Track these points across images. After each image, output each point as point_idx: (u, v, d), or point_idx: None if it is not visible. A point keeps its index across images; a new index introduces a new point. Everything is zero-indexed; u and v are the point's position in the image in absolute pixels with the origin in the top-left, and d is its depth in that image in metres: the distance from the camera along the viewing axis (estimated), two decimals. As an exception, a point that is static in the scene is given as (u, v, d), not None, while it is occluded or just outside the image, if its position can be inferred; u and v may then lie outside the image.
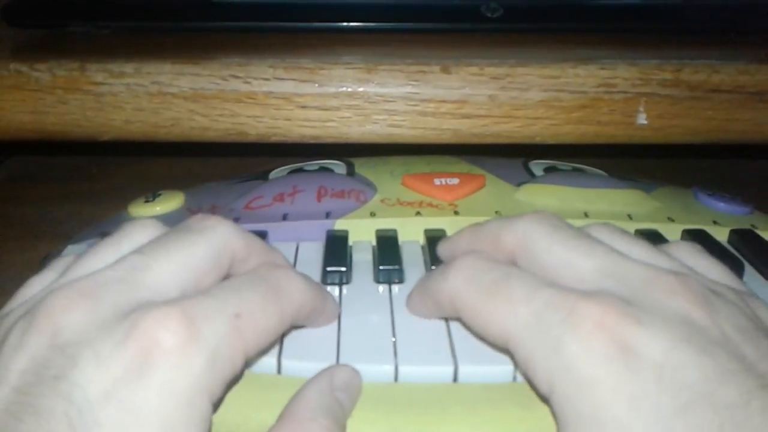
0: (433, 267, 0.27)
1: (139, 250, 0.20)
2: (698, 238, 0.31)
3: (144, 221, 0.22)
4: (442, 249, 0.27)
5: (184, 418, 0.16)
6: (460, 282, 0.21)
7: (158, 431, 0.16)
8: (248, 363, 0.19)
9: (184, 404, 0.16)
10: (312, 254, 0.29)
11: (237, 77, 0.30)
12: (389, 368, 0.22)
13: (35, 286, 0.21)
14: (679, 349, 0.17)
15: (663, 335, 0.17)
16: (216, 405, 0.18)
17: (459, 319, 0.22)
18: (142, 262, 0.19)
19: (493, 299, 0.20)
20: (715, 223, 0.32)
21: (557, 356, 0.18)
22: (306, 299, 0.22)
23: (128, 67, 0.30)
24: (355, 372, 0.22)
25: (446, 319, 0.24)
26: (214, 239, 0.21)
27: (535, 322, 0.19)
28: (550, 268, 0.21)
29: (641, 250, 0.22)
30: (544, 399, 0.19)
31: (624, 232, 0.23)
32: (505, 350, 0.20)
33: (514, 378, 0.22)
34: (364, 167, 0.36)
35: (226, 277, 0.22)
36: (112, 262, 0.20)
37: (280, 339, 0.23)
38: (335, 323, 0.24)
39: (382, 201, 0.32)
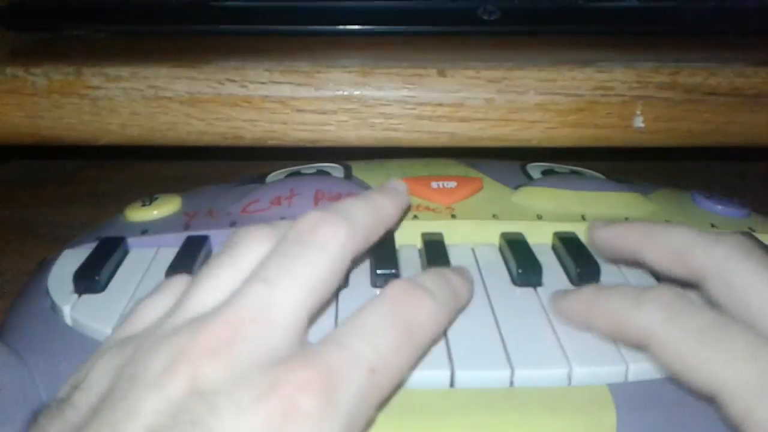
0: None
1: (262, 278, 0.19)
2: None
3: (255, 231, 0.21)
4: (601, 235, 0.25)
5: None
6: (658, 320, 0.20)
7: None
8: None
9: None
10: (309, 258, 0.29)
11: (233, 81, 0.30)
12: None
13: (151, 310, 0.21)
14: None
15: None
16: None
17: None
18: (269, 296, 0.19)
19: (705, 348, 0.19)
20: (712, 225, 0.32)
21: None
22: (442, 322, 0.21)
23: (124, 71, 0.30)
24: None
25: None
26: (333, 253, 0.20)
27: (757, 381, 0.18)
28: (755, 309, 0.20)
29: None
30: None
31: None
32: (704, 396, 0.19)
33: (512, 383, 0.22)
34: (361, 170, 0.36)
35: None
36: (233, 285, 0.19)
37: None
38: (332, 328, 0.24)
39: (379, 204, 0.32)
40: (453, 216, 0.31)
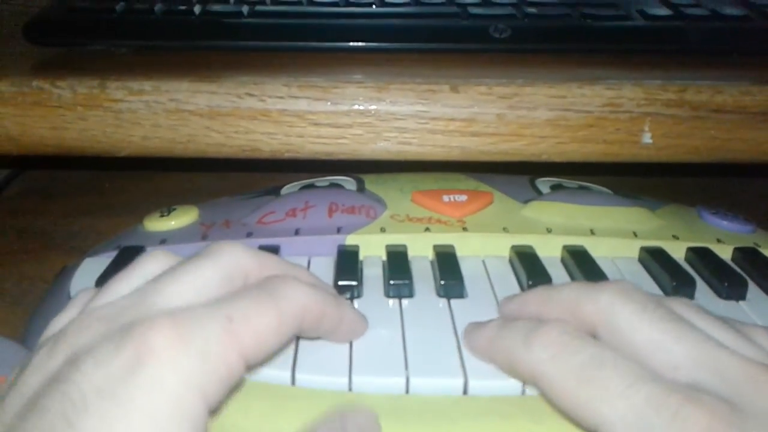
0: (443, 282, 0.28)
1: (152, 280, 0.21)
2: (702, 255, 0.31)
3: (155, 253, 0.23)
4: (507, 307, 0.26)
5: (173, 414, 0.17)
6: (545, 358, 0.21)
7: (145, 424, 0.17)
8: (249, 366, 0.19)
9: (172, 400, 0.17)
10: (323, 269, 0.30)
11: (252, 95, 0.30)
12: (400, 380, 0.23)
13: (61, 321, 0.22)
14: None
15: None
16: (213, 408, 0.18)
17: None
18: (153, 289, 0.21)
19: (585, 386, 0.20)
20: (718, 241, 0.33)
21: None
22: (310, 302, 0.22)
23: (147, 85, 0.30)
24: (371, 416, 0.22)
25: (456, 333, 0.25)
26: (221, 261, 0.22)
27: (634, 419, 0.18)
28: (640, 348, 0.21)
29: (727, 335, 0.21)
30: None
31: (704, 311, 0.22)
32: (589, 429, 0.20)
33: (523, 391, 0.23)
34: (374, 183, 0.37)
35: None
36: (127, 293, 0.21)
37: (295, 352, 0.24)
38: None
39: (391, 217, 0.33)
40: (464, 229, 0.32)
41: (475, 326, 0.25)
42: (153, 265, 0.22)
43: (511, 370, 0.23)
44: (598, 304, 0.22)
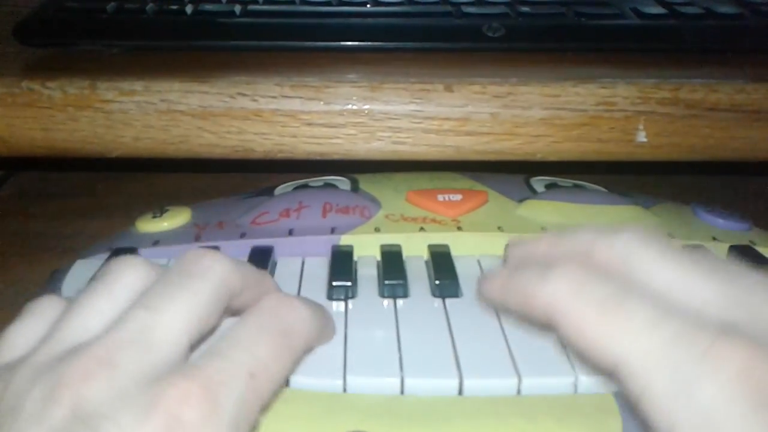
0: (438, 282, 0.28)
1: (142, 304, 0.19)
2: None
3: (130, 261, 0.21)
4: (513, 251, 0.25)
5: None
6: (563, 291, 0.19)
7: None
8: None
9: None
10: (318, 269, 0.29)
11: (244, 95, 0.30)
12: (395, 381, 0.23)
13: (21, 337, 0.20)
14: None
15: None
16: None
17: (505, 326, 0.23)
18: (150, 320, 0.19)
19: (605, 318, 0.18)
20: (714, 239, 0.33)
21: (689, 398, 0.16)
22: (314, 330, 0.22)
23: (138, 85, 0.30)
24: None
25: (451, 332, 0.25)
26: (214, 281, 0.21)
27: (660, 356, 0.17)
28: (663, 289, 0.19)
29: (756, 278, 0.19)
30: None
31: (728, 260, 0.21)
32: (606, 372, 0.19)
33: (519, 391, 0.23)
34: (368, 183, 0.37)
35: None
36: (111, 314, 0.19)
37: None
38: (342, 338, 0.25)
39: (386, 217, 0.33)
40: (459, 228, 0.32)
41: (488, 275, 0.24)
42: (132, 278, 0.21)
43: (526, 309, 0.21)
44: (614, 249, 0.21)
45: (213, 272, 0.21)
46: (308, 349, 0.22)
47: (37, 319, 0.21)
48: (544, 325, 0.21)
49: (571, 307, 0.19)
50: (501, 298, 0.23)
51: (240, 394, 0.18)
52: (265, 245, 0.30)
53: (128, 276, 0.21)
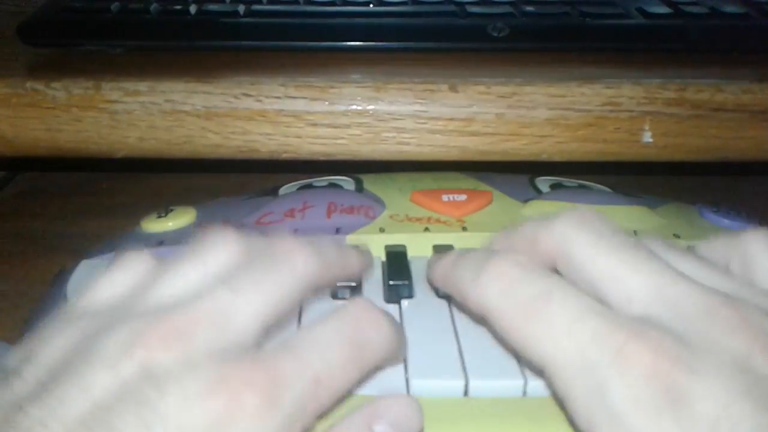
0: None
1: (225, 282, 0.20)
2: (704, 254, 0.31)
3: (226, 235, 0.21)
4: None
5: None
6: (493, 293, 0.20)
7: None
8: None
9: None
10: (322, 270, 0.29)
11: (249, 95, 0.30)
12: (400, 382, 0.23)
13: (108, 287, 0.21)
14: (736, 403, 0.16)
15: (719, 387, 0.16)
16: None
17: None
18: (231, 302, 0.19)
19: (530, 321, 0.19)
20: (720, 239, 0.32)
21: (601, 400, 0.17)
22: (390, 350, 0.21)
23: (142, 86, 0.30)
24: (409, 407, 0.20)
25: (456, 333, 0.25)
26: (297, 269, 0.21)
27: (578, 357, 0.17)
28: (595, 279, 0.19)
29: (691, 266, 0.20)
30: None
31: (672, 244, 0.21)
32: (538, 372, 0.19)
33: (524, 393, 0.23)
34: (372, 183, 0.37)
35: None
36: (196, 284, 0.20)
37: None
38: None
39: (390, 217, 0.33)
40: (464, 228, 0.32)
41: (437, 257, 0.24)
42: (224, 253, 0.21)
43: (464, 304, 0.22)
44: (553, 235, 0.21)
45: (297, 260, 0.21)
46: (379, 368, 0.22)
47: (125, 272, 0.21)
48: (479, 320, 0.21)
49: (500, 310, 0.20)
50: (442, 287, 0.23)
51: (301, 395, 0.18)
52: (269, 246, 0.30)
53: (221, 252, 0.21)
